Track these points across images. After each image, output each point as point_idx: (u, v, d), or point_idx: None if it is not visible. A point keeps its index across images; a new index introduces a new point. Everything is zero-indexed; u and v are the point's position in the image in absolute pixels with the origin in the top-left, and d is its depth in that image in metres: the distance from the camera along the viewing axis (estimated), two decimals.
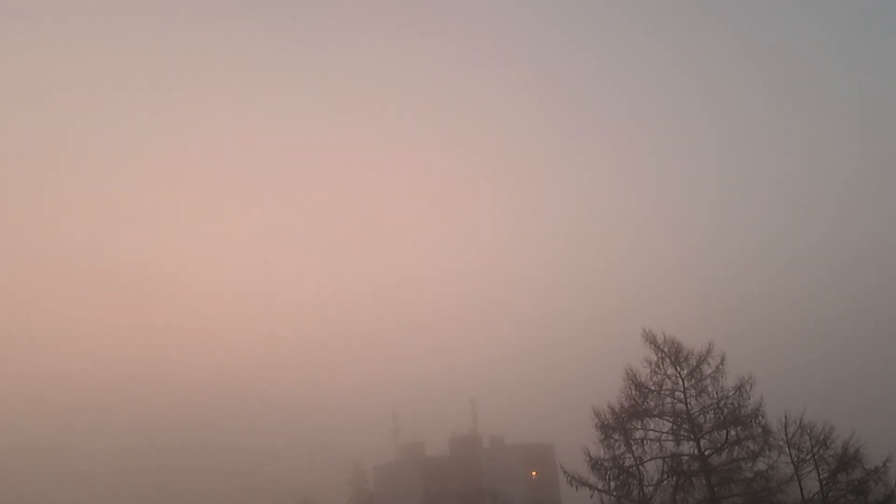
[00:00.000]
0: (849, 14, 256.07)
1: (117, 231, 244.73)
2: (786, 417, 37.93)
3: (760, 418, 37.07)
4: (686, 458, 37.89)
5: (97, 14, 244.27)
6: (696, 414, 37.70)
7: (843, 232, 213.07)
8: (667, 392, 38.19)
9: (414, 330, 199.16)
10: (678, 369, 38.14)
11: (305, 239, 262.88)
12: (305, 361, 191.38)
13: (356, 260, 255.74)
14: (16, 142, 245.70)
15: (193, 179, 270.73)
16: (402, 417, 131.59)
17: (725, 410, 37.35)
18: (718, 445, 37.60)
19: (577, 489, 38.27)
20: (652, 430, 38.49)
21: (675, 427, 38.08)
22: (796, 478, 37.34)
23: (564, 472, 38.72)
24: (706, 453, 37.53)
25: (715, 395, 37.61)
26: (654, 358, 38.51)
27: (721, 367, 37.70)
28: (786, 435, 37.72)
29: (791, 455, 37.48)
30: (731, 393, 37.42)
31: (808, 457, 37.38)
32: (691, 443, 37.72)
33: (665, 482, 37.72)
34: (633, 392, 38.67)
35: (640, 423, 38.58)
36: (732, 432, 37.30)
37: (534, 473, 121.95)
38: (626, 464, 37.99)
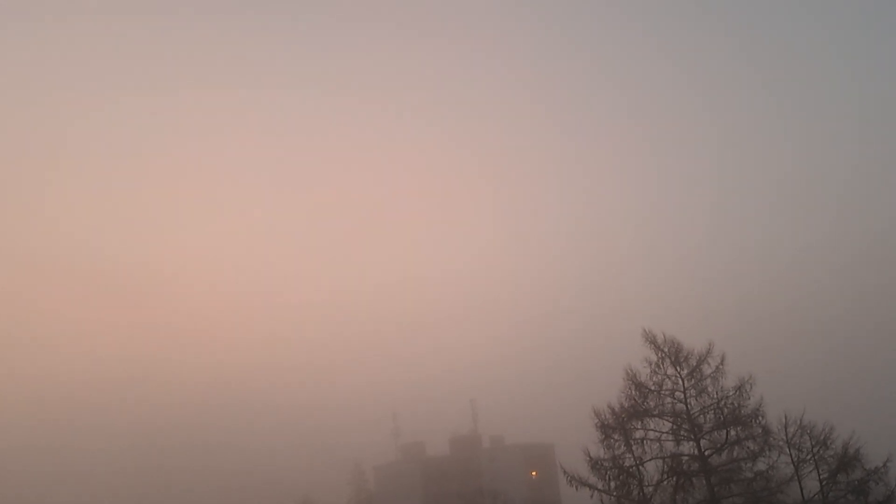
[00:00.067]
0: (849, 14, 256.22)
1: (117, 231, 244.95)
2: (786, 417, 37.99)
3: (760, 418, 37.07)
4: (686, 458, 37.89)
5: (97, 14, 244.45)
6: (696, 414, 37.69)
7: (843, 232, 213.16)
8: (667, 392, 38.18)
9: (414, 330, 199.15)
10: (678, 369, 38.12)
11: (305, 239, 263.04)
12: (305, 361, 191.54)
13: (356, 260, 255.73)
14: (16, 142, 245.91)
15: (193, 179, 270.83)
16: (402, 417, 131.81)
17: (725, 410, 37.34)
18: (718, 445, 37.58)
19: (577, 489, 38.27)
20: (652, 430, 38.48)
21: (675, 427, 38.07)
22: (796, 478, 37.33)
23: (564, 472, 38.72)
24: (706, 453, 37.51)
25: (715, 395, 37.60)
26: (654, 358, 38.51)
27: (721, 367, 37.70)
28: (786, 435, 37.72)
29: (791, 455, 37.49)
30: (731, 393, 37.41)
31: (809, 457, 37.39)
32: (691, 443, 37.71)
33: (665, 482, 37.71)
34: (633, 392, 38.66)
35: (640, 423, 38.56)
36: (732, 432, 37.28)
37: (534, 473, 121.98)
38: (626, 464, 37.98)
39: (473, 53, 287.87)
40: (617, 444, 38.28)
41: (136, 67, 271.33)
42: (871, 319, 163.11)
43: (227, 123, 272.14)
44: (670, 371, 38.25)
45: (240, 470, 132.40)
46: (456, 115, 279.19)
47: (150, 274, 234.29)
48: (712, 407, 37.56)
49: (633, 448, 38.09)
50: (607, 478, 37.77)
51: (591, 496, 37.96)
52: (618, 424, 38.45)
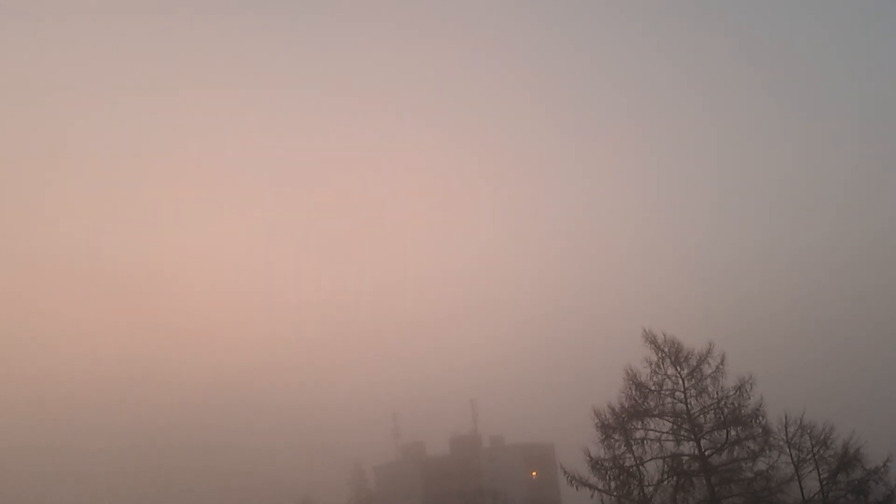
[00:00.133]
0: (849, 14, 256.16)
1: (117, 231, 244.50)
2: (786, 417, 37.99)
3: (761, 418, 37.09)
4: (686, 458, 37.91)
5: (97, 14, 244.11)
6: (697, 414, 37.71)
7: (843, 232, 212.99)
8: (667, 392, 38.19)
9: (414, 330, 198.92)
10: (678, 369, 38.14)
11: (305, 239, 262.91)
12: (305, 361, 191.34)
13: (356, 260, 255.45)
14: (16, 142, 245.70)
15: (193, 179, 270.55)
16: (402, 417, 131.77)
17: (725, 410, 37.36)
18: (719, 445, 37.61)
19: (577, 489, 38.29)
20: (652, 430, 38.50)
21: (675, 427, 38.09)
22: (796, 478, 37.35)
23: (564, 472, 38.74)
24: (706, 453, 37.53)
25: (715, 395, 37.61)
26: (654, 358, 38.52)
27: (721, 367, 37.71)
28: (786, 435, 37.73)
29: (791, 455, 37.50)
30: (731, 393, 37.42)
31: (809, 457, 37.40)
32: (691, 443, 37.73)
33: (665, 482, 37.74)
34: (634, 392, 38.68)
35: (640, 423, 38.58)
36: (733, 432, 37.31)
37: (534, 473, 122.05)
38: (627, 464, 38.00)
39: (473, 53, 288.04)
40: (617, 444, 38.30)
41: (136, 67, 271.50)
42: (871, 319, 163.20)
43: (227, 123, 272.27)
44: (670, 371, 38.27)
45: (240, 470, 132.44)
46: (456, 115, 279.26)
47: (150, 274, 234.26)
48: (712, 407, 37.58)
49: (634, 448, 38.11)
50: (607, 478, 37.80)
51: (592, 496, 37.98)
52: (618, 424, 38.47)
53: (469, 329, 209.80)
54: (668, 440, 38.28)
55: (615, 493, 37.81)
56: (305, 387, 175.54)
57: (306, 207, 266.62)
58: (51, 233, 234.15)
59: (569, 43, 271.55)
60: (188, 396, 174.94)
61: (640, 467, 37.90)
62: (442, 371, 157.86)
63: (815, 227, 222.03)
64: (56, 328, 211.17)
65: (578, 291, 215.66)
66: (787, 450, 37.55)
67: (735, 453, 37.39)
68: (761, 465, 37.17)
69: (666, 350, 38.40)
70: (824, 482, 37.00)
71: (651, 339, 38.67)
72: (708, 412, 37.67)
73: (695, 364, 37.98)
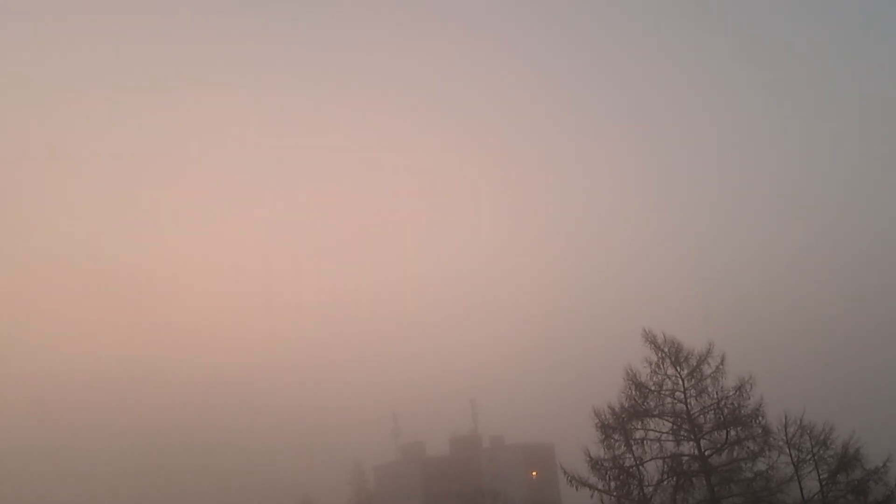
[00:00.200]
0: (849, 14, 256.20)
1: (117, 231, 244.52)
2: (786, 417, 38.03)
3: (760, 418, 37.09)
4: (686, 458, 37.90)
5: (97, 14, 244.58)
6: (697, 414, 37.71)
7: (843, 232, 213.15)
8: (667, 392, 38.19)
9: (414, 330, 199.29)
10: (678, 369, 38.13)
11: (305, 239, 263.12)
12: (305, 361, 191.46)
13: (356, 260, 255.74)
14: (16, 142, 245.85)
15: (193, 179, 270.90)
16: (402, 417, 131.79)
17: (725, 411, 37.35)
18: (718, 446, 37.60)
19: (577, 489, 38.28)
20: (652, 430, 38.50)
21: (675, 427, 38.08)
22: (796, 478, 37.36)
23: (564, 472, 38.73)
24: (706, 453, 37.53)
25: (715, 396, 37.62)
26: (654, 358, 38.52)
27: (721, 367, 37.71)
28: (786, 435, 37.75)
29: (791, 455, 37.52)
30: (731, 393, 37.43)
31: (809, 457, 37.42)
32: (691, 443, 37.72)
33: (665, 482, 37.73)
34: (634, 392, 38.67)
35: (640, 423, 38.58)
36: (732, 432, 37.30)
37: (534, 473, 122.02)
38: (627, 464, 37.99)
39: (473, 53, 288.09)
40: (617, 444, 38.29)
41: (136, 67, 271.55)
42: (871, 319, 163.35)
43: (227, 123, 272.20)
44: (670, 371, 38.27)
45: (240, 470, 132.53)
46: (456, 115, 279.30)
47: (150, 274, 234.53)
48: (712, 407, 37.58)
49: (634, 448, 38.11)
50: (607, 478, 37.79)
51: (591, 496, 37.98)
52: (618, 424, 38.46)
53: (469, 329, 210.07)
54: (668, 440, 38.28)
55: (615, 494, 37.81)
56: (305, 387, 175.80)
57: (306, 208, 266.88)
58: (51, 233, 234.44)
59: (569, 43, 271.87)
60: (188, 396, 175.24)
61: (640, 467, 37.90)
62: (442, 371, 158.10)
63: (815, 227, 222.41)
64: (56, 328, 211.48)
65: (578, 291, 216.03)
66: (787, 450, 37.57)
67: (735, 453, 37.38)
68: (761, 465, 37.20)
69: (666, 350, 38.40)
70: (824, 482, 37.01)
71: (651, 340, 38.68)
72: (708, 412, 37.66)
73: (695, 364, 37.98)
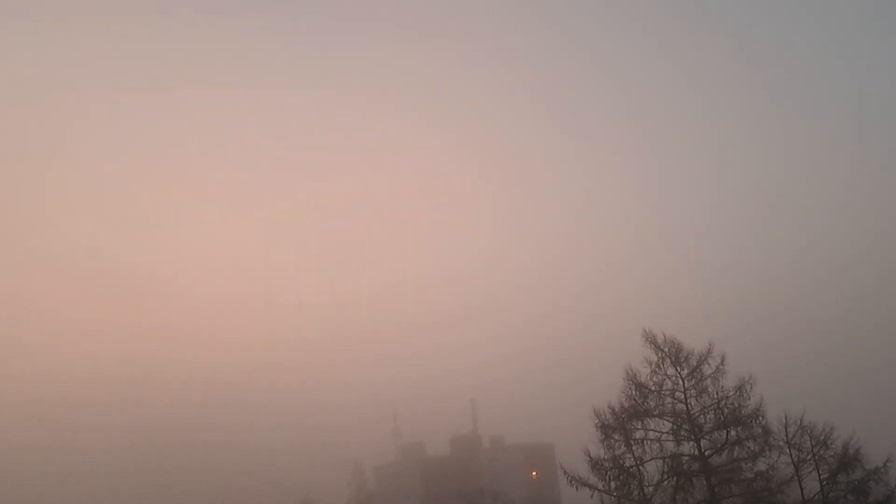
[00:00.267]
0: (849, 14, 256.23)
1: (117, 231, 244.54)
2: (786, 417, 37.99)
3: (761, 418, 37.06)
4: (686, 458, 37.88)
5: (97, 14, 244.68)
6: (697, 414, 37.68)
7: (843, 232, 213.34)
8: (667, 392, 38.17)
9: (414, 330, 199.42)
10: (678, 369, 38.11)
11: (305, 239, 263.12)
12: (305, 361, 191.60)
13: (356, 260, 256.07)
14: (16, 142, 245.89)
15: (193, 179, 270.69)
16: (402, 417, 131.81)
17: (726, 411, 37.33)
18: (719, 446, 37.57)
19: (577, 489, 38.25)
20: (652, 430, 38.47)
21: (675, 427, 38.06)
22: (796, 478, 37.34)
23: (564, 472, 38.71)
24: (706, 453, 37.51)
25: (715, 396, 37.59)
26: (654, 358, 38.49)
27: (721, 367, 37.68)
28: (786, 435, 37.72)
29: (791, 455, 37.49)
30: (731, 393, 37.39)
31: (809, 457, 37.39)
32: (691, 443, 37.70)
33: (665, 482, 37.71)
34: (634, 392, 38.64)
35: (640, 423, 38.55)
36: (733, 432, 37.27)
37: (534, 473, 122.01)
38: (627, 464, 37.97)
39: (473, 53, 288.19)
40: (617, 444, 38.26)
41: (136, 67, 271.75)
42: (871, 319, 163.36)
43: (227, 123, 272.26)
44: (670, 371, 38.24)
45: (240, 470, 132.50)
46: (456, 115, 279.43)
47: (150, 274, 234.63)
48: (712, 407, 37.55)
49: (634, 448, 38.08)
50: (607, 478, 37.77)
51: (592, 496, 37.96)
52: (618, 424, 38.44)
53: (469, 329, 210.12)
54: (668, 440, 38.26)
55: (615, 494, 37.78)
56: (305, 387, 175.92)
57: (306, 208, 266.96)
58: (51, 233, 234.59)
59: (569, 43, 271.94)
60: (188, 396, 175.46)
61: (640, 467, 37.88)
62: (442, 371, 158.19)
63: (815, 227, 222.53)
64: (56, 328, 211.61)
65: (578, 291, 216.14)
66: (787, 450, 37.54)
67: (735, 453, 37.34)
68: (761, 465, 37.17)
69: (666, 350, 38.37)
70: (824, 482, 36.98)
71: (651, 340, 38.65)
72: (708, 412, 37.64)
73: (695, 364, 37.95)
